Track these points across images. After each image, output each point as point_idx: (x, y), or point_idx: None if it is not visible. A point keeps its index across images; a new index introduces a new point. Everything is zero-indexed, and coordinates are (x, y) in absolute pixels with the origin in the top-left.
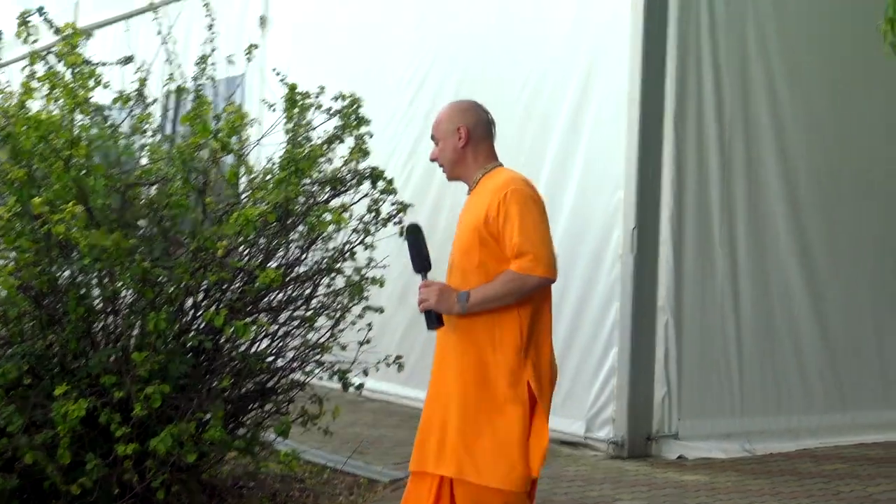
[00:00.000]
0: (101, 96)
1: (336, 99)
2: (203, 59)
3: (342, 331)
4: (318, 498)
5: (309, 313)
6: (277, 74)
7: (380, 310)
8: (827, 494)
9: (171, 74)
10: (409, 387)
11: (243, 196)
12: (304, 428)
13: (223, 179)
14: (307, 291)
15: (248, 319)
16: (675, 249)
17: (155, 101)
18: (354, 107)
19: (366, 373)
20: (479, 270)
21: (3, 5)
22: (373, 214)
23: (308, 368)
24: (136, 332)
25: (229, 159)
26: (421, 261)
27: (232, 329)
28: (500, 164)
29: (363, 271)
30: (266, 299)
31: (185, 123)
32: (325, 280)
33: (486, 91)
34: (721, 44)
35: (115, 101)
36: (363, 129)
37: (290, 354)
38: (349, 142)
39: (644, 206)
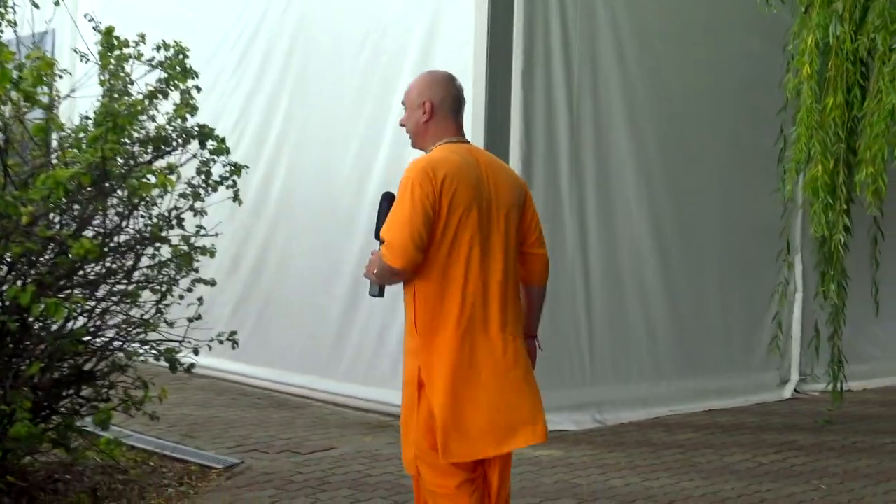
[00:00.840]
0: None
1: (158, 48)
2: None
3: (169, 306)
4: (143, 491)
5: (131, 287)
6: (91, 21)
7: (211, 282)
8: (685, 466)
9: None
10: (241, 362)
11: (53, 156)
12: (129, 415)
13: (29, 137)
14: (129, 263)
15: (61, 296)
16: None
17: None
18: (180, 57)
19: (196, 352)
20: None
21: None
22: (202, 177)
23: (131, 349)
24: None
25: (36, 114)
26: (380, 227)
27: (42, 307)
28: (452, 141)
29: (192, 240)
30: (81, 273)
31: None
32: (150, 250)
33: (322, 46)
34: (569, 8)
35: None
36: (190, 83)
37: (111, 333)
38: (174, 97)
39: None
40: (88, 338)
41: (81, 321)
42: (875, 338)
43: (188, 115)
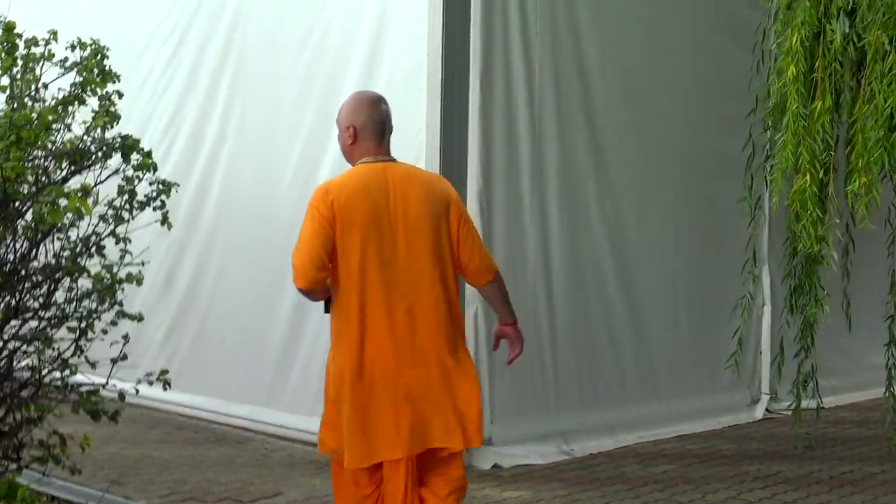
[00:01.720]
0: None
1: (73, 48)
2: None
3: (90, 341)
4: None
5: (43, 325)
6: None
7: (138, 317)
8: None
9: None
10: (175, 391)
11: None
12: (43, 474)
13: None
14: (41, 296)
15: None
16: (485, 236)
17: None
18: (98, 58)
19: (122, 397)
20: None
21: None
22: (126, 197)
23: (44, 402)
24: None
25: None
26: None
27: None
28: (367, 161)
29: (115, 269)
30: None
31: None
32: (66, 282)
33: (261, 44)
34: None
35: None
36: (110, 87)
37: (24, 377)
38: (93, 103)
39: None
40: None
41: None
42: (845, 351)
43: (108, 125)
